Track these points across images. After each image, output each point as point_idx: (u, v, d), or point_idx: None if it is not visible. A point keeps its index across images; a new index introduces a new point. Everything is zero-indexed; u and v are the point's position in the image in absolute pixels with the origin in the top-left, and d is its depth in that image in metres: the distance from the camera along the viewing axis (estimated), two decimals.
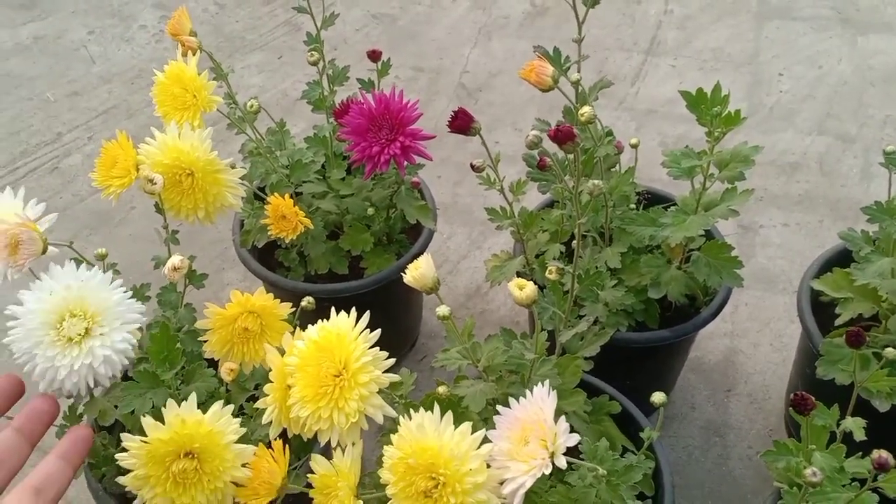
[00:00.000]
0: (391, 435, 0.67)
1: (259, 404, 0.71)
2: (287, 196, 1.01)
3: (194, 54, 0.95)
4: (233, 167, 0.90)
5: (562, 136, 0.66)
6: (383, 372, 0.67)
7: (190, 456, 0.67)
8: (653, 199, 1.12)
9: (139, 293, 0.90)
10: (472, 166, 0.91)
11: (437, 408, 0.65)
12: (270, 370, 0.71)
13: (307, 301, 0.86)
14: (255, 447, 0.70)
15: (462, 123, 0.81)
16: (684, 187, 0.98)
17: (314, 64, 1.09)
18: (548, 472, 0.60)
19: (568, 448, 0.62)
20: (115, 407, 0.84)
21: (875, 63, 1.86)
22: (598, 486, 0.72)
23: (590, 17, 0.98)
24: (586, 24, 0.98)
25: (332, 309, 0.70)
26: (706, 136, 0.88)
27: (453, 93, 1.86)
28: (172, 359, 0.81)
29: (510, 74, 1.90)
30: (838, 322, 0.97)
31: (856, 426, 0.75)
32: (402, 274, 0.74)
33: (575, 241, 0.80)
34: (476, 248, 1.51)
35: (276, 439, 0.72)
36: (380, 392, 0.67)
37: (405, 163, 0.97)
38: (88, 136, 1.80)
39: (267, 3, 2.18)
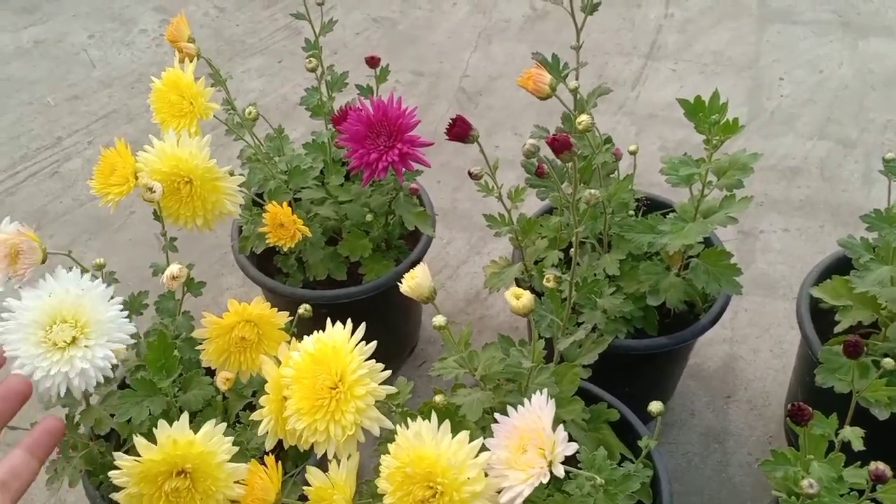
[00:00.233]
0: (388, 444, 0.67)
1: (255, 416, 0.71)
2: (285, 204, 1.01)
3: (192, 61, 0.95)
4: (231, 174, 0.89)
5: (559, 146, 0.66)
6: (380, 383, 0.67)
7: (183, 475, 0.67)
8: (652, 206, 1.12)
9: (137, 301, 0.90)
10: (471, 174, 0.91)
11: (434, 416, 0.65)
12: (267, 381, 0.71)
13: (304, 308, 0.85)
14: (247, 465, 0.70)
15: (460, 131, 0.81)
16: (684, 192, 0.98)
17: (312, 70, 1.09)
18: (546, 480, 0.60)
19: (566, 456, 0.62)
20: (112, 416, 0.84)
21: (876, 67, 1.86)
22: (595, 496, 0.71)
23: (589, 21, 0.97)
24: (586, 28, 0.98)
25: (328, 320, 0.69)
26: (704, 143, 0.87)
27: (453, 97, 1.86)
28: (170, 367, 0.81)
29: (510, 78, 1.89)
30: (837, 329, 0.97)
31: (854, 436, 0.75)
32: (399, 283, 0.74)
33: (573, 249, 0.80)
34: (475, 254, 1.51)
35: (268, 453, 0.71)
36: (376, 401, 0.67)
37: (403, 169, 0.97)
38: (88, 140, 1.80)
39: (267, 7, 2.18)
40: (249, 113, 1.03)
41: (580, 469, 0.72)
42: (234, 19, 2.15)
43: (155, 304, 0.91)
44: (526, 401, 0.65)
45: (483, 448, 0.64)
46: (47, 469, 0.87)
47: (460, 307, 1.42)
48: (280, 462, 0.72)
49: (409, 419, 0.67)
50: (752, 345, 1.32)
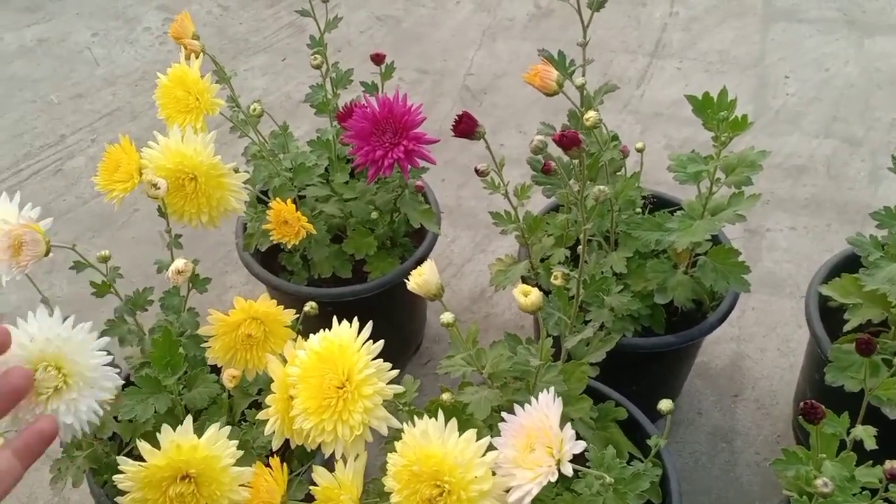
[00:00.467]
0: (395, 442, 0.66)
1: (261, 415, 0.70)
2: (289, 201, 1.00)
3: (197, 57, 0.95)
4: (236, 171, 0.89)
5: (567, 142, 0.65)
6: (387, 382, 0.66)
7: (187, 479, 0.67)
8: (658, 203, 1.11)
9: (142, 298, 0.90)
10: (477, 171, 0.90)
11: (441, 415, 0.65)
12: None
13: (310, 306, 0.85)
14: (252, 469, 0.69)
15: (466, 128, 0.80)
16: (690, 190, 0.97)
17: (317, 67, 1.08)
18: (554, 479, 0.60)
19: (574, 455, 0.61)
20: (115, 417, 0.83)
21: (882, 65, 1.85)
22: (605, 495, 0.71)
23: (595, 19, 0.97)
24: (591, 26, 0.97)
25: (335, 318, 0.69)
26: (713, 140, 0.87)
27: (457, 95, 1.86)
28: (175, 364, 0.81)
29: (515, 76, 1.89)
30: (847, 328, 0.96)
31: (866, 434, 0.74)
32: (406, 280, 0.74)
33: (580, 246, 0.80)
34: (480, 252, 1.50)
35: (273, 455, 0.71)
36: (384, 400, 0.66)
37: (409, 166, 0.97)
38: (92, 138, 1.80)
39: (271, 6, 2.17)
40: (254, 110, 1.03)
41: (589, 468, 0.71)
42: (238, 17, 2.14)
43: (160, 300, 0.90)
44: (533, 399, 0.64)
45: (490, 447, 0.64)
46: (51, 468, 0.86)
47: (465, 305, 1.41)
48: (285, 462, 0.72)
49: (416, 417, 0.67)
50: (759, 343, 1.31)
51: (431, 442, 0.63)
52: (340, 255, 1.13)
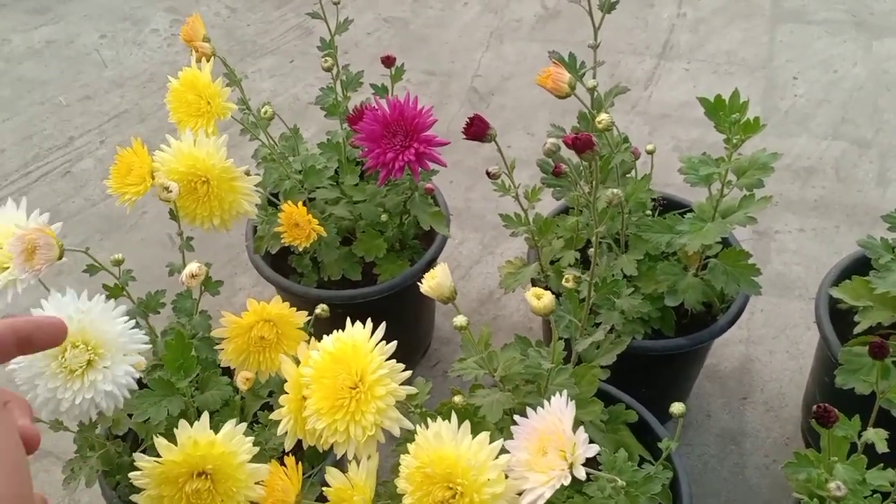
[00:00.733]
0: (408, 444, 0.66)
1: (274, 416, 0.71)
2: (300, 204, 1.00)
3: (208, 60, 0.95)
4: (248, 174, 0.89)
5: (581, 145, 0.65)
6: (400, 384, 0.67)
7: (203, 476, 0.67)
8: (668, 205, 1.11)
9: (154, 301, 0.90)
10: (488, 173, 0.90)
11: (454, 417, 0.65)
12: (285, 380, 0.70)
13: (321, 309, 0.85)
14: (268, 466, 0.70)
15: (478, 130, 0.80)
16: (699, 192, 0.97)
17: (328, 70, 1.09)
18: (567, 483, 0.60)
19: (586, 458, 0.61)
20: (130, 416, 0.83)
21: (890, 67, 1.84)
22: (616, 498, 0.71)
23: (603, 20, 0.97)
24: (599, 27, 0.97)
25: (348, 319, 0.69)
26: (724, 143, 0.87)
27: (465, 97, 1.86)
28: (187, 366, 0.81)
29: (522, 78, 1.89)
30: (857, 330, 0.96)
31: (878, 438, 0.74)
32: (418, 282, 0.74)
33: (591, 249, 0.80)
34: (488, 254, 1.50)
35: (288, 454, 0.71)
36: (396, 402, 0.67)
37: (419, 169, 0.97)
38: (100, 140, 1.81)
39: (278, 7, 2.18)
40: (265, 112, 1.03)
41: (600, 471, 0.71)
42: (246, 19, 2.15)
43: (172, 303, 0.90)
44: (546, 402, 0.65)
45: (503, 450, 0.64)
46: (63, 469, 0.86)
47: (473, 307, 1.41)
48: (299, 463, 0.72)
49: (428, 419, 0.67)
50: (768, 346, 1.31)
51: (445, 444, 0.63)
52: (350, 257, 1.14)
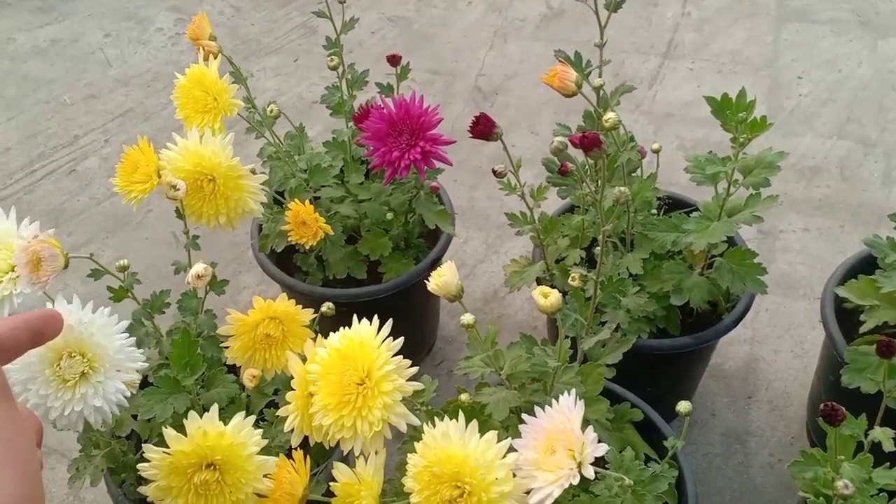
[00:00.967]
0: (415, 443, 0.66)
1: (281, 412, 0.71)
2: (307, 202, 1.00)
3: (215, 58, 0.95)
4: (254, 172, 0.89)
5: (588, 143, 0.65)
6: (406, 380, 0.67)
7: (212, 467, 0.67)
8: (673, 204, 1.11)
9: (159, 300, 0.90)
10: (495, 172, 0.90)
11: (461, 416, 0.65)
12: (291, 377, 0.70)
13: (327, 307, 0.85)
14: (276, 458, 0.70)
15: (484, 129, 0.80)
16: (704, 191, 0.97)
17: (334, 69, 1.09)
18: (576, 482, 0.60)
19: None
20: (134, 416, 0.84)
21: (895, 67, 1.84)
22: (623, 496, 0.71)
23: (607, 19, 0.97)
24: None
25: (354, 316, 0.69)
26: (731, 141, 0.87)
27: (469, 96, 1.86)
28: (193, 364, 0.81)
29: (526, 77, 1.89)
30: (863, 329, 0.96)
31: (885, 436, 0.74)
32: (424, 281, 0.74)
33: (597, 248, 0.80)
34: (493, 253, 1.50)
35: (296, 448, 0.71)
36: (402, 399, 0.67)
37: (425, 168, 0.97)
38: (105, 138, 1.81)
39: (282, 7, 2.18)
40: (271, 111, 1.03)
41: (606, 469, 0.71)
42: (250, 18, 2.15)
43: (178, 302, 0.90)
44: (553, 401, 0.65)
45: (510, 448, 0.64)
46: (69, 468, 0.87)
47: (478, 306, 1.41)
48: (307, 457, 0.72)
49: (436, 418, 0.67)
50: (773, 345, 1.31)
51: (452, 443, 0.63)
52: (355, 255, 1.14)
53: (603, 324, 0.93)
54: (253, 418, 0.70)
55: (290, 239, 1.04)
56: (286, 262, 1.17)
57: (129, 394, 0.70)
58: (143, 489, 0.68)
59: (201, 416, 0.69)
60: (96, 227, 1.60)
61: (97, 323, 0.69)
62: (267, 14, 2.16)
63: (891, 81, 1.80)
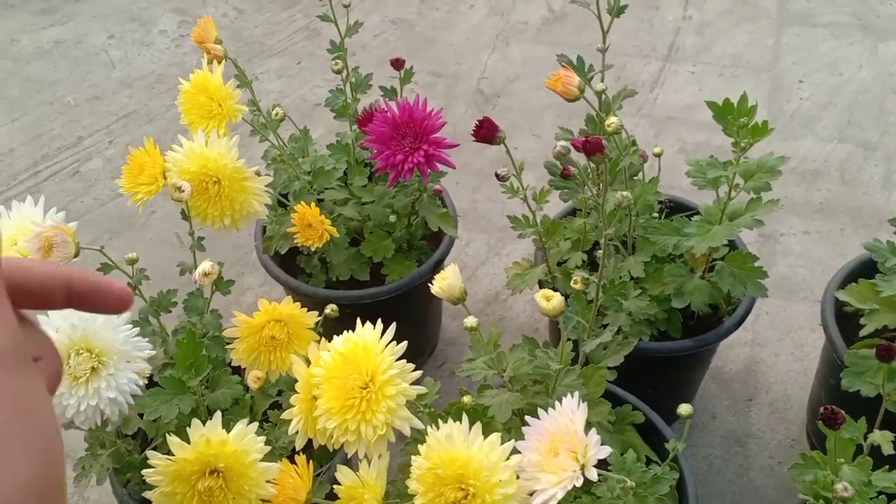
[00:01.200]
0: (418, 445, 0.67)
1: (285, 415, 0.71)
2: (313, 204, 1.01)
3: (220, 62, 0.96)
4: (258, 174, 0.90)
5: (591, 148, 0.66)
6: (410, 384, 0.67)
7: (215, 474, 0.68)
8: (675, 208, 1.12)
9: (165, 300, 0.91)
10: (497, 175, 0.91)
11: (465, 418, 0.65)
12: (295, 379, 0.71)
13: (331, 308, 0.86)
14: (279, 464, 0.70)
15: (488, 133, 0.81)
16: (705, 195, 0.98)
17: (338, 72, 1.09)
18: (579, 484, 0.60)
19: None
20: (140, 415, 0.84)
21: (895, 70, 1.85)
22: (625, 498, 0.71)
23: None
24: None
25: (358, 320, 0.70)
26: (732, 146, 0.87)
27: (471, 98, 1.87)
28: (198, 365, 0.82)
29: (528, 80, 1.90)
30: (863, 333, 0.97)
31: (884, 440, 0.75)
32: (428, 283, 0.75)
33: (599, 251, 0.80)
34: (495, 255, 1.51)
35: (299, 453, 0.72)
36: (405, 403, 0.67)
37: (428, 170, 0.98)
38: (109, 140, 1.82)
39: (286, 9, 2.18)
40: (276, 114, 1.04)
41: (609, 471, 0.72)
42: (253, 21, 2.16)
43: (184, 302, 0.91)
44: (557, 403, 0.65)
45: (514, 450, 0.64)
46: (74, 467, 0.87)
47: (480, 308, 1.42)
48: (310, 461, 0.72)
49: (439, 420, 0.68)
50: (773, 348, 1.32)
51: (456, 445, 0.64)
52: (358, 257, 1.14)
53: (604, 326, 0.94)
54: (255, 425, 0.71)
55: (295, 241, 1.04)
56: (289, 264, 1.18)
57: (142, 383, 0.72)
58: (147, 494, 0.69)
59: (206, 417, 0.70)
60: (100, 229, 1.61)
61: (100, 318, 0.71)
62: (270, 16, 2.17)
63: (891, 85, 1.81)
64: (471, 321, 0.73)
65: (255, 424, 0.70)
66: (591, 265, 1.07)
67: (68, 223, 0.79)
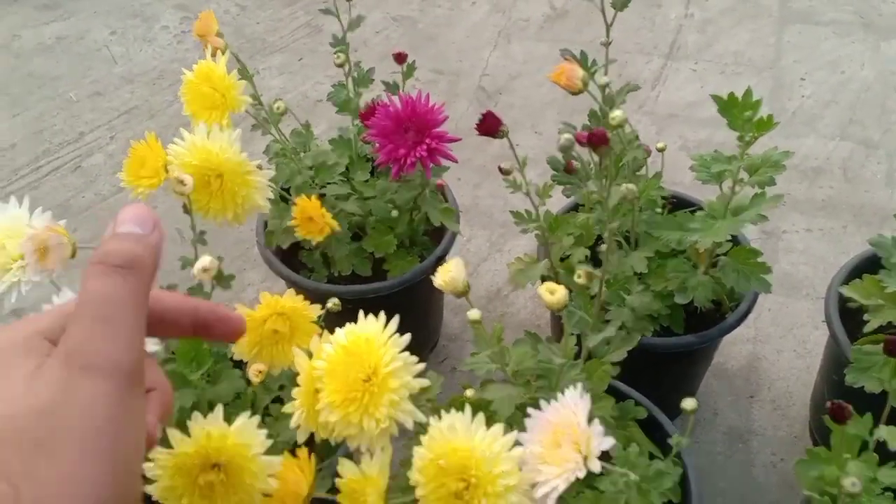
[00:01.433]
0: (421, 436, 0.66)
1: (287, 408, 0.71)
2: (314, 198, 1.01)
3: (223, 55, 0.95)
4: (260, 168, 0.90)
5: (596, 140, 0.66)
6: (413, 377, 0.67)
7: (217, 468, 0.67)
8: (678, 204, 1.12)
9: None
10: (501, 169, 0.90)
11: (468, 409, 0.65)
12: (297, 372, 0.71)
13: (333, 303, 0.86)
14: (281, 458, 0.70)
15: (490, 126, 0.81)
16: (708, 191, 0.97)
17: (340, 66, 1.09)
18: (582, 475, 0.60)
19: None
20: None
21: None
22: (628, 493, 0.71)
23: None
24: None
25: (361, 312, 0.69)
26: (737, 140, 0.87)
27: (473, 95, 1.86)
28: (200, 359, 0.81)
29: (530, 77, 1.90)
30: (867, 329, 0.96)
31: (891, 435, 0.74)
32: (430, 277, 0.74)
33: (603, 246, 0.80)
34: (496, 251, 1.51)
35: (301, 445, 0.71)
36: (408, 396, 0.67)
37: (431, 165, 0.97)
38: (110, 135, 1.81)
39: (288, 5, 2.18)
40: (278, 108, 1.04)
41: (613, 465, 0.71)
42: (255, 17, 2.16)
43: None
44: (560, 395, 0.65)
45: (516, 442, 0.64)
46: None
47: (481, 304, 1.41)
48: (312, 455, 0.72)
49: (442, 411, 0.67)
50: (776, 345, 1.31)
51: (458, 436, 0.63)
52: (360, 252, 1.14)
53: (608, 322, 0.93)
54: (257, 418, 0.70)
55: (296, 235, 1.04)
56: (291, 260, 1.18)
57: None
58: (148, 488, 0.69)
59: (208, 410, 0.70)
60: (102, 224, 1.60)
61: None
62: (272, 13, 2.17)
63: (893, 83, 1.81)
64: (474, 314, 0.72)
65: (257, 418, 0.69)
66: (594, 261, 1.06)
67: (61, 220, 0.78)
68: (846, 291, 0.99)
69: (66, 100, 1.91)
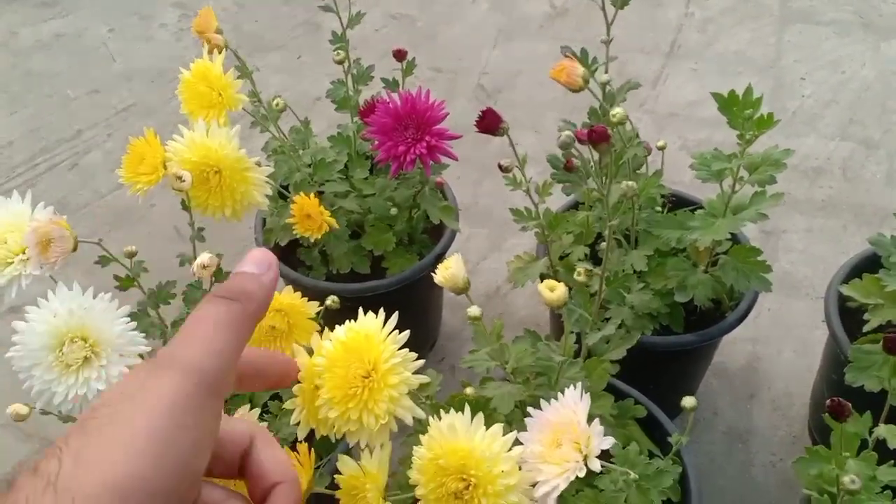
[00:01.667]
0: (420, 436, 0.66)
1: (287, 405, 0.71)
2: (312, 195, 1.01)
3: (220, 52, 0.95)
4: (259, 165, 0.89)
5: (597, 137, 0.65)
6: (412, 373, 0.66)
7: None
8: (678, 202, 1.12)
9: (164, 292, 0.90)
10: (501, 167, 0.90)
11: (467, 409, 0.65)
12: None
13: (332, 300, 0.85)
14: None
15: (491, 123, 0.80)
16: (708, 190, 0.97)
17: (340, 63, 1.09)
18: (582, 475, 0.60)
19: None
20: None
21: None
22: (627, 491, 0.71)
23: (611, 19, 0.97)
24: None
25: (360, 309, 0.69)
26: (738, 139, 0.87)
27: (472, 94, 1.86)
28: None
29: (530, 75, 1.89)
30: (867, 328, 0.96)
31: (890, 434, 0.74)
32: (431, 274, 0.74)
33: (602, 244, 0.80)
34: (496, 249, 1.50)
35: (301, 441, 0.71)
36: (408, 393, 0.67)
37: (431, 162, 0.97)
38: (108, 133, 1.81)
39: (287, 3, 2.18)
40: (277, 105, 1.03)
41: (612, 464, 0.71)
42: (254, 14, 2.15)
43: (183, 293, 0.91)
44: (559, 394, 0.65)
45: (516, 441, 0.64)
46: None
47: (480, 302, 1.39)
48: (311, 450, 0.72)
49: (441, 411, 0.67)
50: (775, 344, 1.31)
51: (458, 436, 0.63)
52: (359, 250, 1.14)
53: (607, 320, 0.93)
54: (257, 411, 0.70)
55: (294, 232, 1.04)
56: (290, 257, 1.17)
57: None
58: None
59: None
60: (99, 222, 1.60)
61: (98, 307, 0.69)
62: (271, 10, 2.16)
63: (893, 83, 1.80)
64: (474, 310, 0.72)
65: (257, 410, 0.69)
66: (594, 259, 1.06)
67: (62, 216, 0.78)
68: (846, 290, 0.99)
69: (64, 97, 1.91)
